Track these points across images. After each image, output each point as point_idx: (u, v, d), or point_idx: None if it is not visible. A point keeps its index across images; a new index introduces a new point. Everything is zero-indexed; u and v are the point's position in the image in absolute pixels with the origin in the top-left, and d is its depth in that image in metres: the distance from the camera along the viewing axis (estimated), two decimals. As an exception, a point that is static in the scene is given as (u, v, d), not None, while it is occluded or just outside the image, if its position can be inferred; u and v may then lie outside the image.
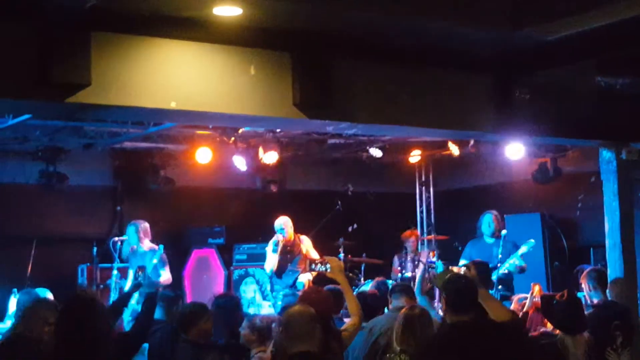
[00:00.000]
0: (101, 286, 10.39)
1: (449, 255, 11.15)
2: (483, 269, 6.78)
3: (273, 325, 6.41)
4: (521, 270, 9.19)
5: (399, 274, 10.90)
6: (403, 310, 5.92)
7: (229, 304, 6.92)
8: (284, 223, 9.89)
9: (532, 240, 9.20)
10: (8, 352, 5.42)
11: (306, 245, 9.95)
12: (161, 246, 9.37)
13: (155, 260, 9.30)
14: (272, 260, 9.87)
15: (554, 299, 6.78)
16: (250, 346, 6.25)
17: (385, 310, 7.20)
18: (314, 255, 9.71)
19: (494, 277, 8.93)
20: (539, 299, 7.26)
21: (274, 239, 9.80)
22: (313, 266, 6.26)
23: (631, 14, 6.25)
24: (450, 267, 7.05)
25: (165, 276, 9.31)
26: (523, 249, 9.11)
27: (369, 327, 6.30)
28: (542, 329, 6.73)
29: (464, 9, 6.39)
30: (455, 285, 5.22)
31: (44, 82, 5.64)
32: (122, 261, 9.85)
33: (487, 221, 9.54)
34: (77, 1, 5.51)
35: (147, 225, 9.70)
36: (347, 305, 6.15)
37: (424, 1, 6.28)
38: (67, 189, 10.87)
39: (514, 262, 9.13)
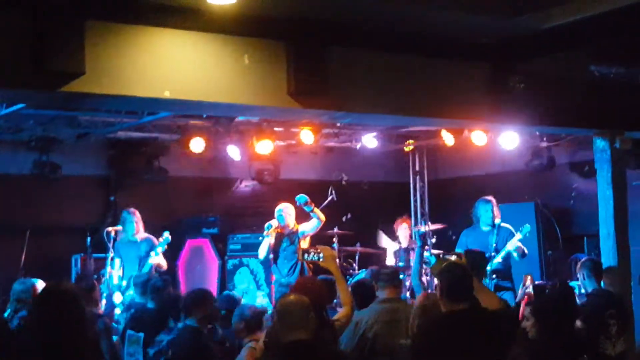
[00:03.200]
0: (95, 276, 10.38)
1: (443, 244, 11.18)
2: (475, 257, 6.80)
3: (264, 317, 6.43)
4: (523, 253, 9.13)
5: (393, 264, 10.89)
6: (419, 301, 5.88)
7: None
8: (283, 209, 9.85)
9: (528, 225, 9.16)
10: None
11: (301, 234, 9.90)
12: (167, 232, 9.45)
13: (160, 249, 9.36)
14: (264, 246, 9.88)
15: (546, 288, 6.82)
16: (239, 335, 6.28)
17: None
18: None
19: (489, 267, 8.94)
20: (531, 290, 7.29)
21: (269, 222, 9.78)
22: (306, 255, 6.27)
23: (626, 2, 6.25)
24: (443, 257, 7.07)
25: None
26: (518, 236, 9.09)
27: (355, 321, 6.28)
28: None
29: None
30: (451, 273, 5.23)
31: (37, 70, 5.63)
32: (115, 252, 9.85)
33: (488, 209, 9.41)
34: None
35: (138, 213, 9.75)
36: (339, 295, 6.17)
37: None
38: (60, 178, 10.83)
39: (515, 245, 9.02)
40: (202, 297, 6.42)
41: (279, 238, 9.84)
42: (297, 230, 9.85)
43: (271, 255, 9.97)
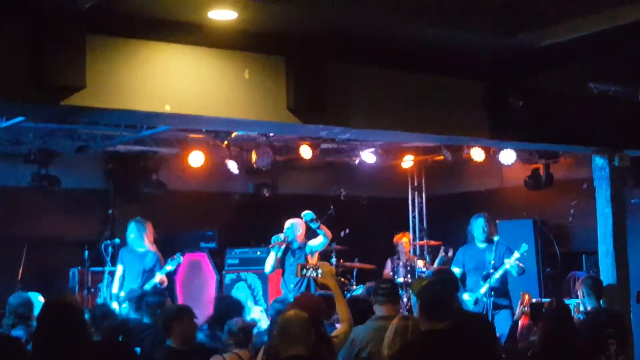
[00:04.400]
0: (92, 290, 10.36)
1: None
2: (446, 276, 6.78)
3: (254, 331, 6.41)
4: (521, 272, 9.11)
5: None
6: (395, 321, 5.79)
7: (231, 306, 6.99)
8: (293, 224, 9.69)
9: (525, 245, 9.14)
10: None
11: (309, 250, 9.69)
12: (179, 254, 9.43)
13: (169, 267, 9.31)
14: (270, 259, 9.80)
15: (543, 307, 6.80)
16: (227, 348, 6.26)
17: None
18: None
19: (487, 284, 8.90)
20: (529, 308, 7.28)
21: (276, 235, 9.72)
22: (304, 271, 6.24)
23: (624, 21, 6.28)
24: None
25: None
26: (515, 255, 9.06)
27: (351, 338, 6.15)
28: (532, 338, 6.73)
29: (459, 14, 6.40)
30: (430, 292, 5.13)
31: (37, 84, 5.63)
32: (113, 265, 9.81)
33: (479, 225, 9.37)
34: (73, 3, 5.49)
35: (150, 225, 9.69)
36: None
37: (419, 7, 6.29)
38: (59, 191, 10.84)
39: (513, 263, 8.99)
40: (177, 313, 6.30)
41: (286, 252, 9.77)
42: (305, 246, 9.80)
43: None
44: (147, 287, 9.10)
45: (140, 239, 9.52)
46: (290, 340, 4.66)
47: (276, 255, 9.66)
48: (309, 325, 4.72)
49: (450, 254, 7.93)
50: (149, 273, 9.37)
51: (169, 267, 9.35)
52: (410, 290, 7.23)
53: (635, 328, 8.21)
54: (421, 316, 5.04)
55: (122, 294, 9.35)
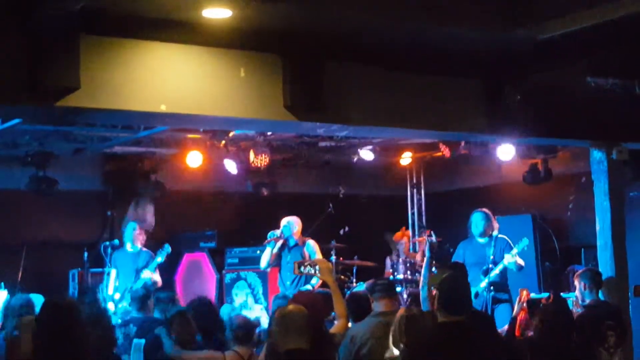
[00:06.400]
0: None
1: (440, 257, 11.14)
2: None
3: (257, 330, 6.42)
4: (520, 267, 9.11)
5: (391, 277, 10.87)
6: (401, 311, 5.82)
7: (202, 307, 6.97)
8: (288, 221, 9.76)
9: (526, 239, 9.14)
10: None
11: (309, 250, 9.79)
12: (167, 245, 9.45)
13: (159, 259, 9.35)
14: (265, 255, 9.83)
15: (540, 302, 6.79)
16: (227, 345, 6.29)
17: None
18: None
19: (487, 279, 8.91)
20: (526, 304, 7.26)
21: (272, 231, 9.74)
22: (302, 268, 6.26)
23: (621, 13, 6.27)
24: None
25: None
26: (516, 250, 9.06)
27: (350, 335, 6.18)
28: (531, 334, 6.73)
29: (456, 10, 6.39)
30: (449, 285, 5.20)
31: (32, 86, 5.64)
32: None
33: (476, 220, 9.38)
34: (67, 3, 5.48)
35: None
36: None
37: (416, 3, 6.28)
38: (57, 194, 10.82)
39: (511, 260, 9.00)
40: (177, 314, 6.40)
41: (282, 249, 9.80)
42: (304, 243, 9.79)
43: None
44: (137, 285, 9.12)
45: (131, 239, 9.60)
46: (289, 334, 4.70)
47: (272, 250, 9.70)
48: (308, 319, 4.74)
49: (434, 238, 7.90)
50: (142, 272, 9.41)
51: (158, 259, 9.38)
52: (427, 284, 7.21)
53: (634, 321, 8.20)
54: (440, 308, 5.09)
55: (117, 295, 9.37)
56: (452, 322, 5.02)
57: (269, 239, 9.67)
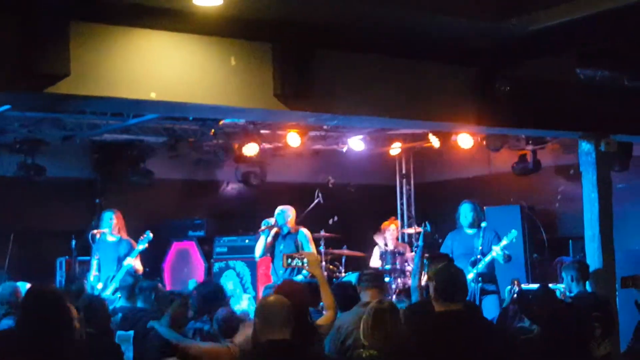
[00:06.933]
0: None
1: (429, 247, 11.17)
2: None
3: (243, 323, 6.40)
4: (508, 258, 9.14)
5: (379, 267, 10.88)
6: (371, 304, 5.77)
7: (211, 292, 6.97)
8: (284, 209, 9.72)
9: (515, 231, 9.17)
10: None
11: (302, 238, 9.75)
12: (148, 231, 9.42)
13: (141, 247, 9.34)
14: (259, 244, 9.80)
15: (530, 293, 6.82)
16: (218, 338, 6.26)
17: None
18: (309, 250, 9.51)
19: (475, 270, 8.94)
20: (517, 295, 7.30)
21: (266, 219, 9.72)
22: (290, 260, 6.28)
23: (610, 5, 6.28)
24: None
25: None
26: (504, 242, 9.08)
27: (337, 325, 6.18)
28: (520, 324, 6.76)
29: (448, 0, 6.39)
30: (445, 274, 5.23)
31: (22, 72, 5.60)
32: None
33: (465, 211, 9.40)
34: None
35: (120, 214, 9.72)
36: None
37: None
38: (45, 181, 10.79)
39: (500, 251, 9.02)
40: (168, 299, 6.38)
41: (276, 238, 9.78)
42: (297, 232, 9.78)
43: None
44: (120, 274, 9.11)
45: (110, 228, 9.57)
46: (270, 325, 4.69)
47: (266, 239, 9.68)
48: (289, 310, 4.73)
49: (428, 228, 7.89)
50: (124, 260, 9.40)
51: (140, 247, 9.37)
52: (417, 274, 7.21)
53: (621, 312, 8.25)
54: (436, 298, 5.13)
55: (100, 285, 9.36)
56: (449, 311, 5.05)
57: (263, 227, 9.65)
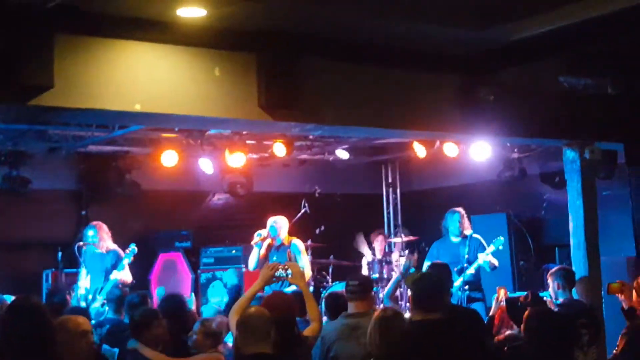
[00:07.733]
0: (67, 291, 10.27)
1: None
2: (441, 270, 6.82)
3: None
4: (494, 267, 9.16)
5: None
6: (376, 313, 5.72)
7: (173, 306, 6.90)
8: (276, 220, 9.65)
9: (501, 238, 9.18)
10: None
11: (294, 250, 9.67)
12: (133, 245, 9.37)
13: (126, 261, 9.29)
14: (253, 256, 9.73)
15: (519, 301, 6.83)
16: (200, 350, 6.16)
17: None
18: (302, 261, 9.44)
19: (461, 278, 8.96)
20: (504, 303, 7.30)
21: (259, 231, 9.65)
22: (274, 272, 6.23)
23: (593, 14, 6.32)
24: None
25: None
26: (491, 248, 9.11)
27: (322, 336, 6.10)
28: (508, 332, 6.77)
29: (431, 9, 6.40)
30: (424, 283, 5.23)
31: (6, 84, 5.58)
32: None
33: (455, 219, 9.44)
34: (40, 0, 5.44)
35: (105, 226, 9.66)
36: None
37: (389, 2, 6.29)
38: (31, 193, 10.74)
39: (486, 259, 9.04)
40: (150, 316, 6.09)
41: (269, 249, 9.71)
42: (290, 243, 9.69)
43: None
44: (107, 286, 9.07)
45: (95, 241, 9.51)
46: (250, 338, 4.67)
47: (259, 251, 9.61)
48: (269, 323, 4.71)
49: (415, 256, 7.86)
50: (112, 271, 9.35)
51: (126, 261, 9.33)
52: (404, 283, 7.17)
53: (607, 319, 8.27)
54: (414, 307, 5.12)
55: (90, 297, 9.32)
56: (426, 320, 5.04)
57: (256, 238, 9.60)
